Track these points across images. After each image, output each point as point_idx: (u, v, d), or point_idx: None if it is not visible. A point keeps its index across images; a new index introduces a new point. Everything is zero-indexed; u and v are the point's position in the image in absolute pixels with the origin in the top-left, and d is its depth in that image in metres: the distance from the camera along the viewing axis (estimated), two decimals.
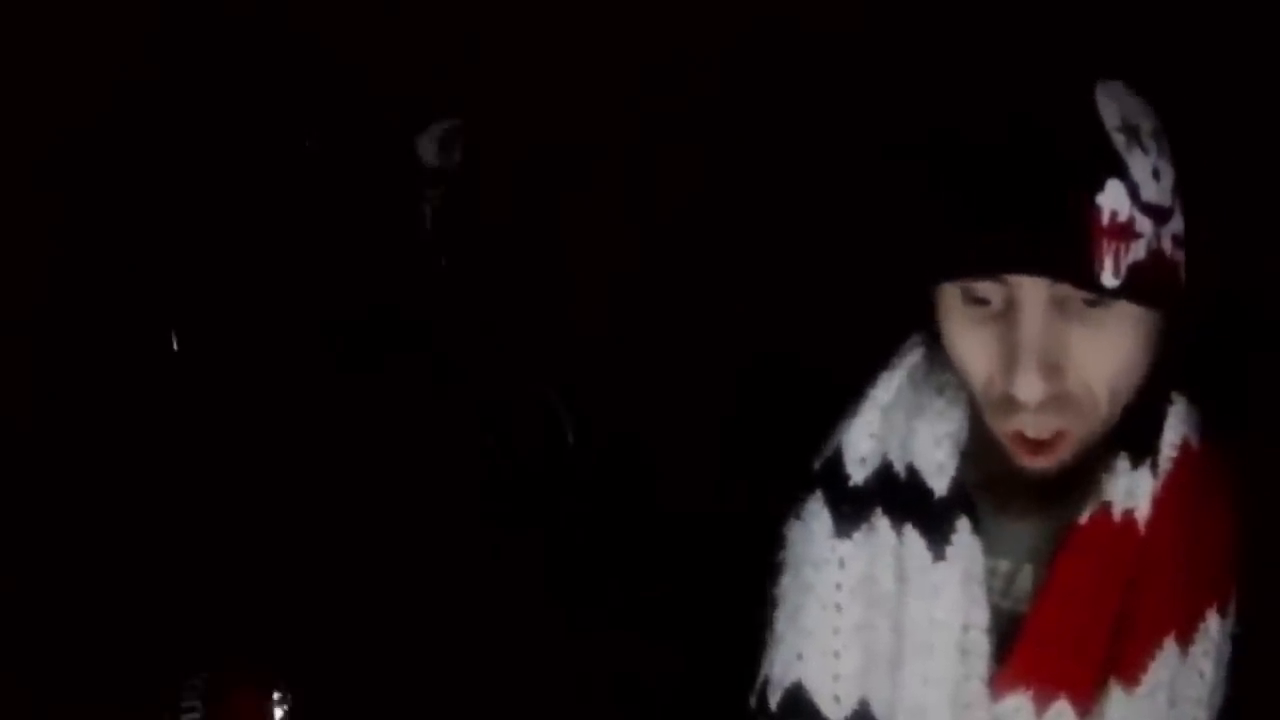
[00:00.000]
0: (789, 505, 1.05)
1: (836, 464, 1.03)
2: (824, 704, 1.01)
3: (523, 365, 2.46)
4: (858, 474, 1.02)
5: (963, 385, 0.98)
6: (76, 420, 2.29)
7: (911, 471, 1.00)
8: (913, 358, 1.04)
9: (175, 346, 2.42)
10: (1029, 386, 0.89)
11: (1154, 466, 0.98)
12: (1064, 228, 0.86)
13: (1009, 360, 0.90)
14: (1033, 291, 0.89)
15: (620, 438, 2.16)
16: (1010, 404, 0.92)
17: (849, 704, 1.01)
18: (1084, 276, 0.87)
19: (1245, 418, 1.00)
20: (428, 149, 2.50)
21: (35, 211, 2.31)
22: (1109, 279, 0.87)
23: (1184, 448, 0.99)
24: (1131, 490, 0.98)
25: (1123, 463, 0.98)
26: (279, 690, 1.75)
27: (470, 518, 2.30)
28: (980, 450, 1.01)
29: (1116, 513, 0.97)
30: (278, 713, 1.74)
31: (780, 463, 1.06)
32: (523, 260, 2.46)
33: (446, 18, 2.42)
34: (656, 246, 2.23)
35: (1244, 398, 1.00)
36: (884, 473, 1.02)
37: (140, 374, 2.37)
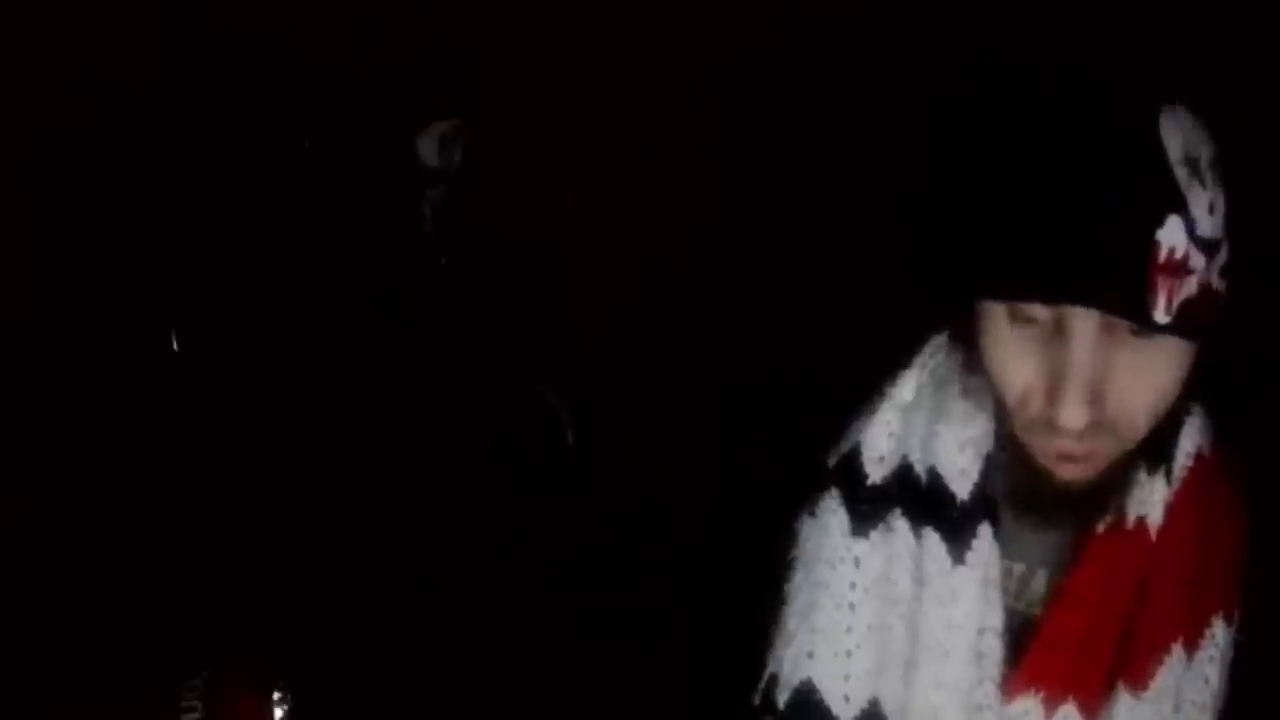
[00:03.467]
0: (793, 504, 1.05)
1: (854, 462, 1.03)
2: (834, 703, 1.01)
3: (523, 365, 2.46)
4: (876, 473, 1.02)
5: (989, 390, 0.98)
6: (76, 420, 2.29)
7: (933, 475, 1.00)
8: (934, 358, 1.04)
9: (175, 346, 2.42)
10: (1074, 416, 0.89)
11: (1168, 474, 0.98)
12: (1122, 264, 0.86)
13: (1054, 384, 0.90)
14: (1084, 318, 0.89)
15: (621, 437, 2.16)
16: (1050, 425, 0.91)
17: (859, 704, 1.01)
18: (1138, 313, 0.87)
19: (1252, 426, 1.00)
20: (428, 149, 2.49)
21: (34, 211, 2.30)
22: (1161, 316, 0.87)
23: (1197, 456, 0.99)
24: (1145, 497, 0.98)
25: (1139, 471, 0.98)
26: (279, 690, 1.75)
27: (469, 518, 2.30)
28: (1002, 456, 1.00)
29: (1130, 519, 0.98)
30: (278, 713, 1.74)
31: (782, 462, 1.06)
32: (523, 260, 2.46)
33: (446, 18, 2.42)
34: (657, 246, 2.22)
35: (1251, 406, 1.00)
36: (904, 474, 1.01)
37: (140, 374, 2.36)
